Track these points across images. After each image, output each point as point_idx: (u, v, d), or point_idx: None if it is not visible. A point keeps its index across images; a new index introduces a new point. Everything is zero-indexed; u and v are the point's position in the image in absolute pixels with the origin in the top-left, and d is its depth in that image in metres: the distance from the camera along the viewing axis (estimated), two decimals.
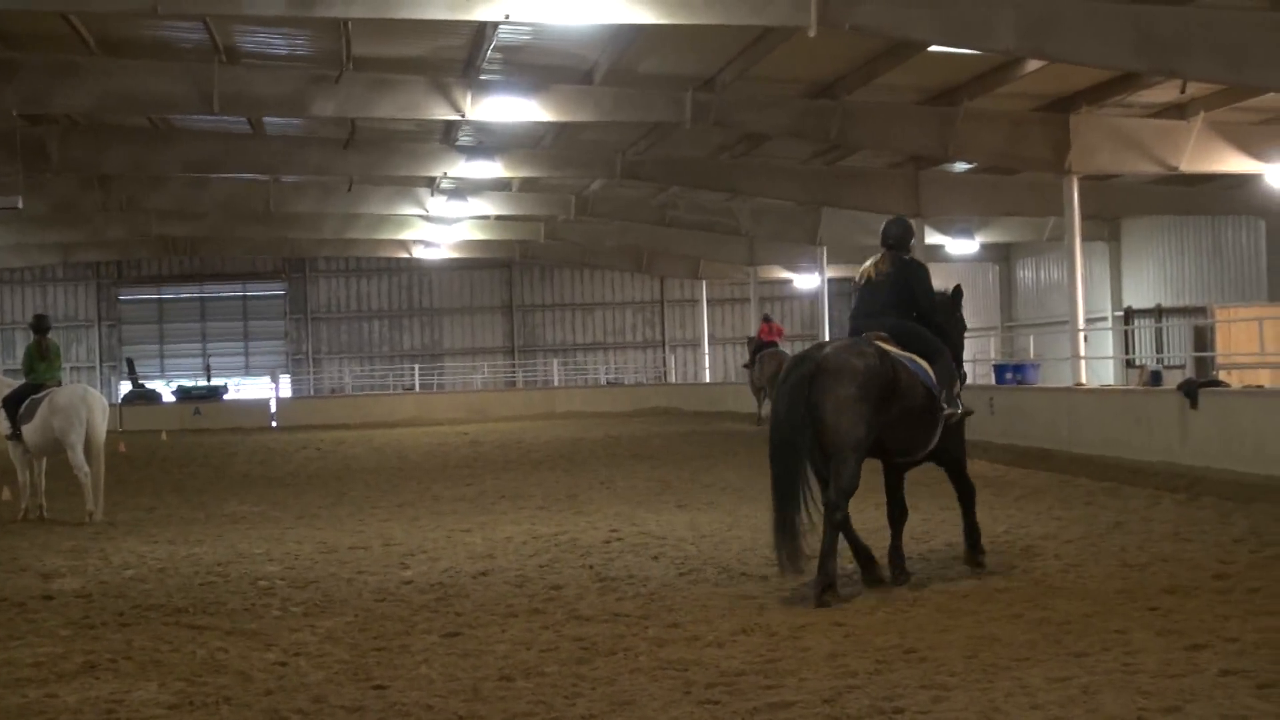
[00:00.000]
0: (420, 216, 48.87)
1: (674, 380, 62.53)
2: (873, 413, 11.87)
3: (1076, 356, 29.26)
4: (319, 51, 27.17)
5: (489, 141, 35.83)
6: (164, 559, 15.48)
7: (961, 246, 45.29)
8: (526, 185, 44.32)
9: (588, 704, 8.46)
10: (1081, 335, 29.61)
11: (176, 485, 25.74)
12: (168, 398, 57.15)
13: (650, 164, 36.93)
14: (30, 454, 20.04)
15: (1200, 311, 37.37)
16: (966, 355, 14.37)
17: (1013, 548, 14.26)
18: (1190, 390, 21.48)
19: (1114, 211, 42.02)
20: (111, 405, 26.12)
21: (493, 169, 36.53)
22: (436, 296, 64.86)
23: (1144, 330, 41.05)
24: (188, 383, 58.84)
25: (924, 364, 12.46)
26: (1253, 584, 11.61)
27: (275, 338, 64.81)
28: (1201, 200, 39.07)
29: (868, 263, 13.17)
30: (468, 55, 26.94)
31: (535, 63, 27.23)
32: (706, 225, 50.26)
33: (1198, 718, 7.67)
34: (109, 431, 20.71)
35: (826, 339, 46.23)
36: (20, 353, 21.57)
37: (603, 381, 62.92)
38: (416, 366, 61.87)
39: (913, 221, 36.48)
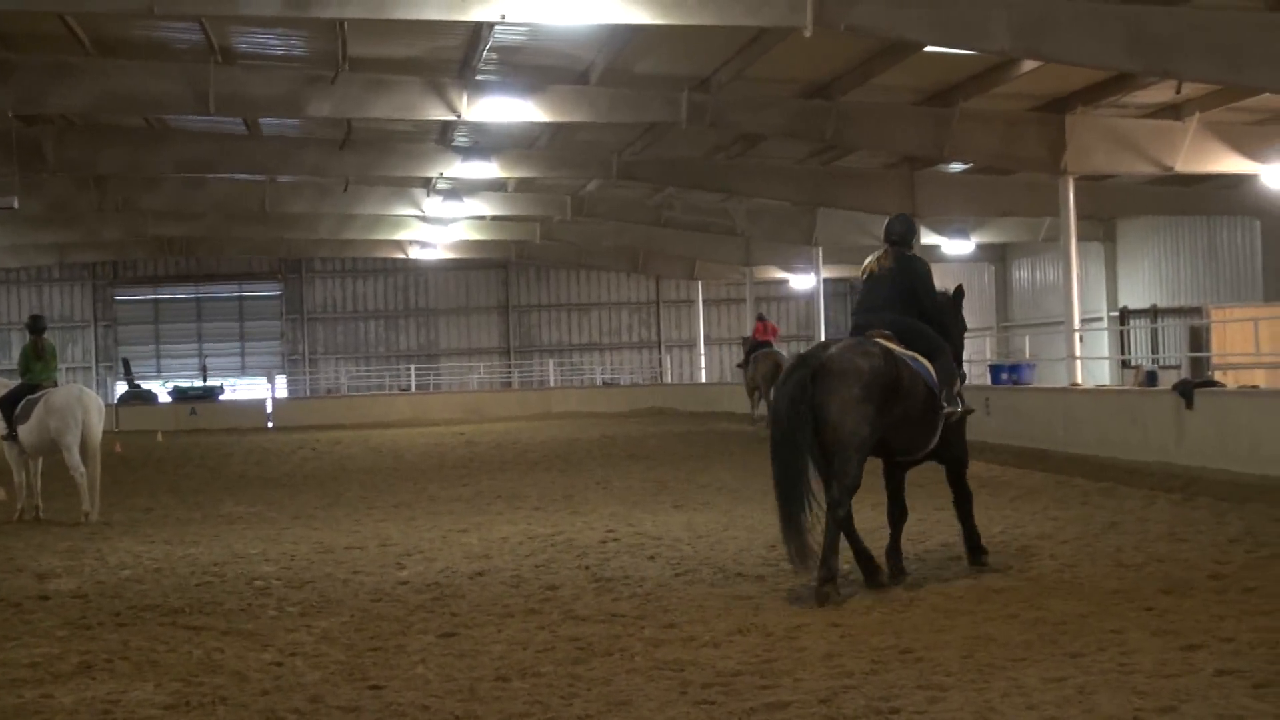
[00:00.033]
0: (416, 217, 48.85)
1: (670, 380, 62.55)
2: (877, 413, 11.93)
3: (1072, 357, 29.29)
4: (315, 52, 27.17)
5: (485, 142, 35.82)
6: (160, 559, 15.48)
7: (957, 247, 45.29)
8: (522, 186, 44.32)
9: (584, 704, 8.47)
10: (1077, 336, 29.65)
11: (172, 486, 25.73)
12: (164, 398, 57.10)
13: (646, 164, 36.93)
14: (26, 454, 20.04)
15: (1195, 312, 37.40)
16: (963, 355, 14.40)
17: (1009, 548, 14.27)
18: (1186, 390, 21.52)
19: (1109, 212, 42.03)
20: (107, 406, 26.05)
21: (488, 169, 36.52)
22: (432, 297, 64.84)
23: (1139, 330, 41.10)
24: (184, 383, 58.80)
25: (925, 362, 12.52)
26: (1248, 584, 11.62)
27: (271, 338, 64.76)
28: (1196, 200, 39.09)
29: (871, 257, 13.27)
30: (463, 56, 26.94)
31: (531, 63, 27.23)
32: (702, 226, 50.26)
33: (1193, 718, 7.68)
34: (105, 432, 20.69)
35: (823, 339, 46.49)
36: (16, 353, 21.56)
37: (599, 382, 62.91)
38: (412, 367, 61.87)
39: None
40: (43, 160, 33.32)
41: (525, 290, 65.33)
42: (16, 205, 32.37)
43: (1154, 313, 40.99)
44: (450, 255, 59.16)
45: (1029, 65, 25.34)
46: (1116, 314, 43.65)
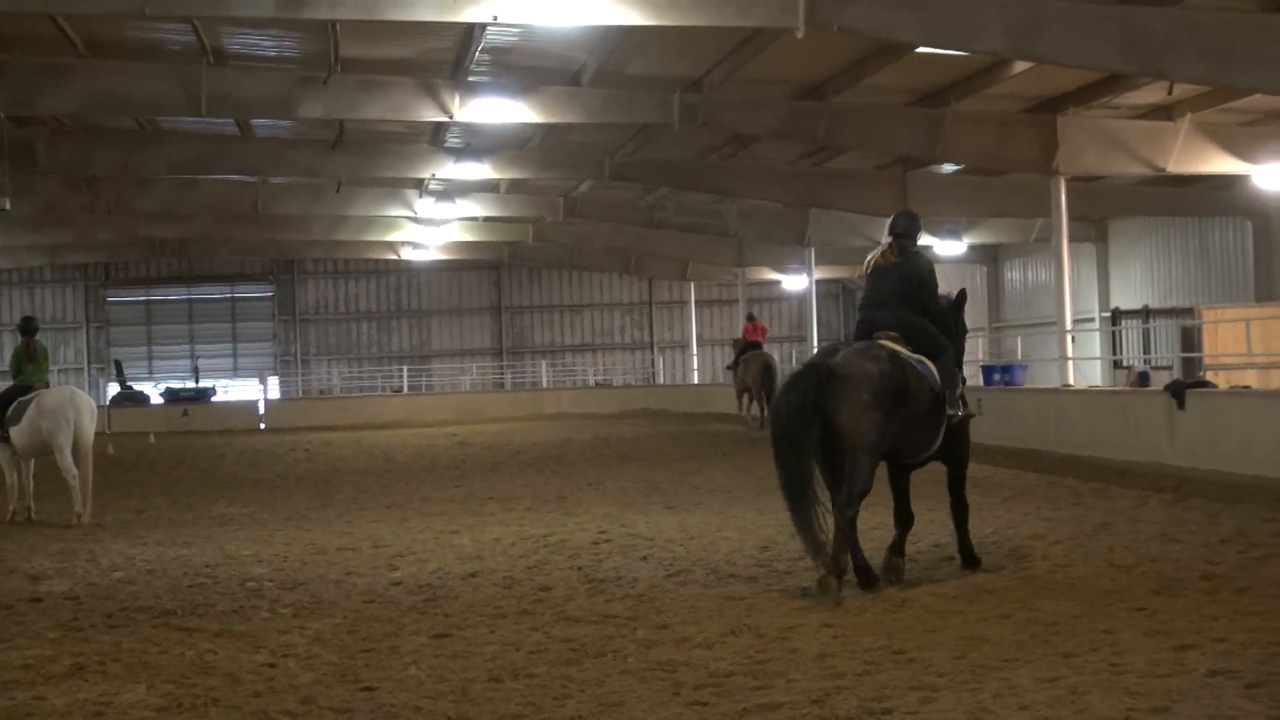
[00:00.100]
0: (408, 218, 48.83)
1: (662, 382, 62.52)
2: (886, 418, 12.05)
3: (1064, 357, 29.29)
4: (307, 53, 27.16)
5: (477, 143, 35.82)
6: (152, 561, 15.47)
7: (949, 248, 45.30)
8: (515, 187, 44.31)
9: (576, 705, 8.47)
10: (1069, 336, 29.65)
11: (165, 487, 25.71)
12: (156, 399, 57.04)
13: (638, 165, 36.92)
14: (18, 456, 20.02)
15: (1187, 312, 37.42)
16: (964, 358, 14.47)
17: (1001, 548, 14.28)
18: (1178, 391, 21.52)
19: (1101, 213, 42.10)
20: (99, 407, 26.05)
21: (481, 170, 36.52)
22: (425, 298, 64.84)
23: (1131, 331, 41.10)
24: (176, 384, 58.73)
25: (930, 365, 12.63)
26: (1240, 584, 11.63)
27: (263, 339, 64.73)
28: (1188, 201, 39.13)
29: (875, 251, 13.40)
30: (456, 57, 26.93)
31: (523, 64, 27.23)
32: (695, 227, 50.25)
33: (1185, 718, 7.69)
34: (97, 433, 20.67)
35: (816, 339, 46.55)
36: (8, 355, 21.56)
37: (591, 383, 62.91)
38: (405, 368, 61.84)
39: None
40: (35, 161, 33.28)
41: (518, 291, 65.34)
42: (8, 207, 32.27)
43: (1146, 313, 40.99)
44: (442, 256, 59.18)
45: (1021, 66, 25.37)
46: (1108, 315, 43.66)
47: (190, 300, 64.31)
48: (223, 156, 35.65)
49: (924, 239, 43.04)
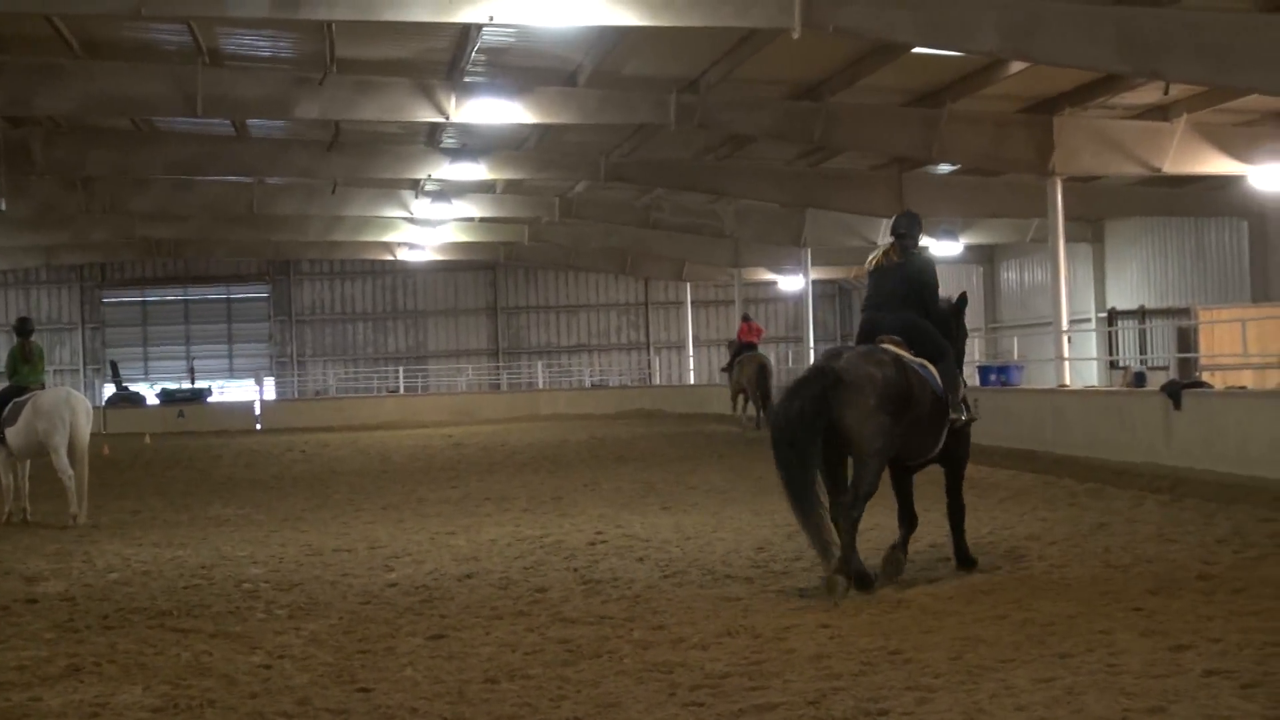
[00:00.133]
0: (404, 219, 48.83)
1: (658, 382, 62.52)
2: (892, 422, 12.11)
3: (1060, 358, 29.31)
4: (303, 54, 27.15)
5: (473, 144, 35.81)
6: (148, 562, 15.45)
7: (945, 248, 45.30)
8: (511, 187, 44.32)
9: (573, 706, 8.47)
10: (1065, 337, 29.66)
11: (160, 488, 25.69)
12: (152, 400, 57.01)
13: (634, 166, 36.93)
14: (13, 457, 20.00)
15: (1184, 313, 37.43)
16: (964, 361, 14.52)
17: (997, 549, 14.28)
18: (1174, 391, 21.54)
19: (1097, 213, 42.09)
20: (95, 408, 26.08)
21: (477, 171, 36.51)
22: (421, 299, 64.83)
23: (1127, 331, 41.11)
24: (172, 385, 58.72)
25: (932, 369, 12.69)
26: (1236, 585, 11.64)
27: (259, 340, 64.71)
28: (1184, 201, 39.15)
29: (877, 251, 13.49)
30: (452, 57, 26.93)
31: (519, 65, 27.22)
32: (691, 227, 50.27)
33: (1182, 718, 7.69)
34: (92, 434, 20.66)
35: (811, 340, 46.58)
36: (3, 356, 21.55)
37: (587, 383, 62.92)
38: (401, 369, 61.79)
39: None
40: (30, 162, 33.28)
41: (513, 292, 65.34)
42: (4, 207, 32.32)
43: (1142, 314, 40.99)
44: (438, 257, 59.17)
45: (1017, 66, 25.37)
46: (1104, 315, 43.66)
47: (186, 301, 64.29)
48: (218, 157, 35.65)
49: (921, 239, 43.09)
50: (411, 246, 56.23)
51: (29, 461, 20.30)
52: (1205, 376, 28.39)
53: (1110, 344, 40.54)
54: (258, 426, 52.43)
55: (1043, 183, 29.72)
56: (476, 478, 25.77)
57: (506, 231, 53.45)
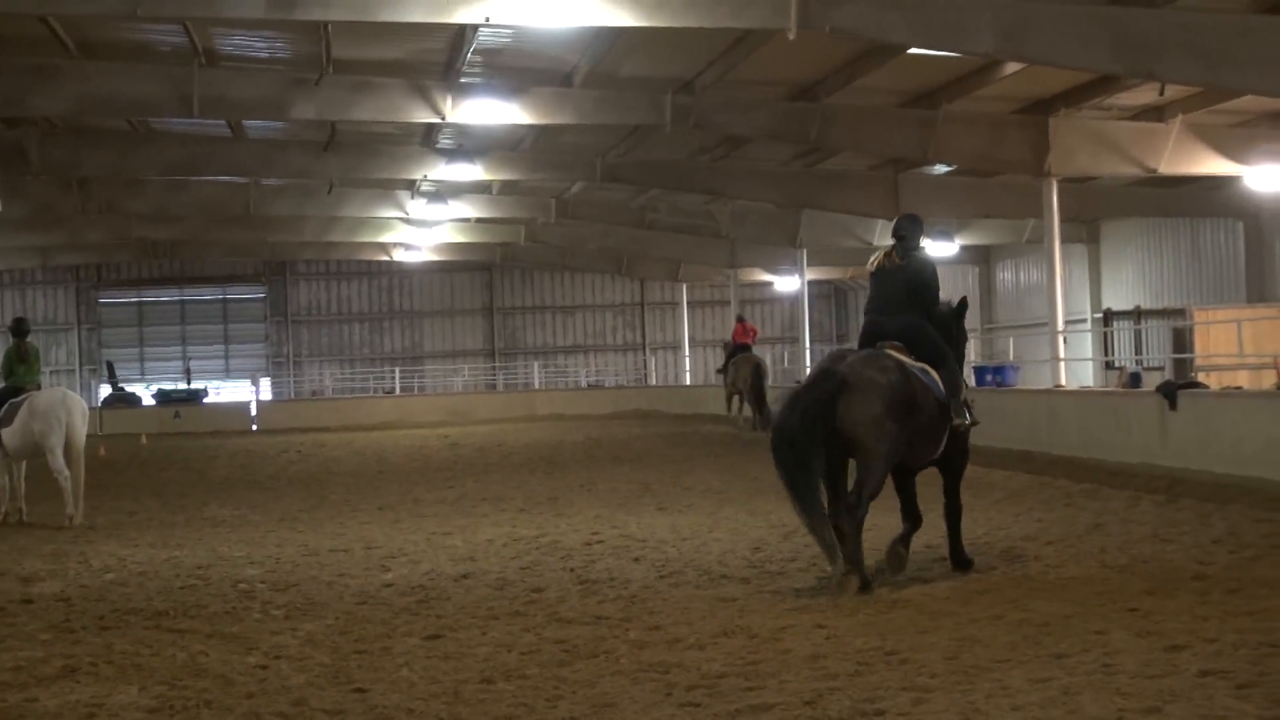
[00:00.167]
0: (400, 219, 48.82)
1: (654, 383, 62.54)
2: (898, 427, 12.23)
3: (1056, 358, 29.33)
4: (299, 54, 27.15)
5: (469, 144, 35.82)
6: (144, 562, 15.45)
7: (941, 249, 45.28)
8: (507, 188, 44.31)
9: (569, 706, 8.47)
10: (1061, 337, 29.68)
11: (156, 489, 25.68)
12: (148, 401, 56.96)
13: (630, 166, 36.92)
14: (10, 458, 19.99)
15: (1179, 313, 37.48)
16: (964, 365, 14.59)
17: (993, 549, 14.29)
18: (1169, 392, 21.55)
19: (1093, 213, 42.09)
20: (91, 409, 26.03)
21: (473, 172, 36.49)
22: (417, 299, 64.82)
23: (1123, 332, 41.16)
24: (168, 386, 58.68)
25: (934, 374, 12.78)
26: (1231, 585, 11.65)
27: (255, 341, 64.67)
28: (1180, 202, 39.16)
29: (878, 254, 13.56)
30: (448, 58, 26.93)
31: (515, 65, 27.22)
32: (687, 228, 50.28)
33: (1177, 718, 7.70)
34: (89, 435, 20.65)
35: (807, 341, 46.57)
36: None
37: (583, 384, 62.94)
38: (397, 369, 61.79)
39: (891, 224, 36.74)
40: (26, 163, 33.25)
41: (510, 292, 65.33)
42: (0, 208, 32.29)
43: (1137, 314, 41.07)
44: (434, 257, 59.14)
45: (1012, 67, 25.39)
46: (1100, 316, 43.72)
47: (182, 301, 64.23)
48: (214, 158, 35.62)
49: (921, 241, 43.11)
50: (407, 247, 56.21)
51: (25, 462, 20.30)
52: (1201, 377, 28.42)
53: (1106, 344, 40.59)
54: (254, 427, 52.37)
55: (1038, 183, 29.73)
56: (473, 478, 25.77)
57: (502, 232, 53.43)
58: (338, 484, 25.52)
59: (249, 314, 64.69)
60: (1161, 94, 27.90)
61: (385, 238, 53.22)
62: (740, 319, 44.17)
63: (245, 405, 56.20)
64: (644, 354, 65.88)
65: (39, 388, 20.42)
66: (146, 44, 26.44)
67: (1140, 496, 18.78)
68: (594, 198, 46.05)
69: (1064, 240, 31.73)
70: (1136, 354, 39.75)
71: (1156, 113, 29.21)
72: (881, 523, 13.70)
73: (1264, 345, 30.57)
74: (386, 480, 26.03)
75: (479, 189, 44.21)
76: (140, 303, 63.96)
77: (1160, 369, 34.02)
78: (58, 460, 19.36)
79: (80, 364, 62.93)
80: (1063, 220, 30.30)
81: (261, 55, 27.69)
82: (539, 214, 46.63)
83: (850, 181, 37.81)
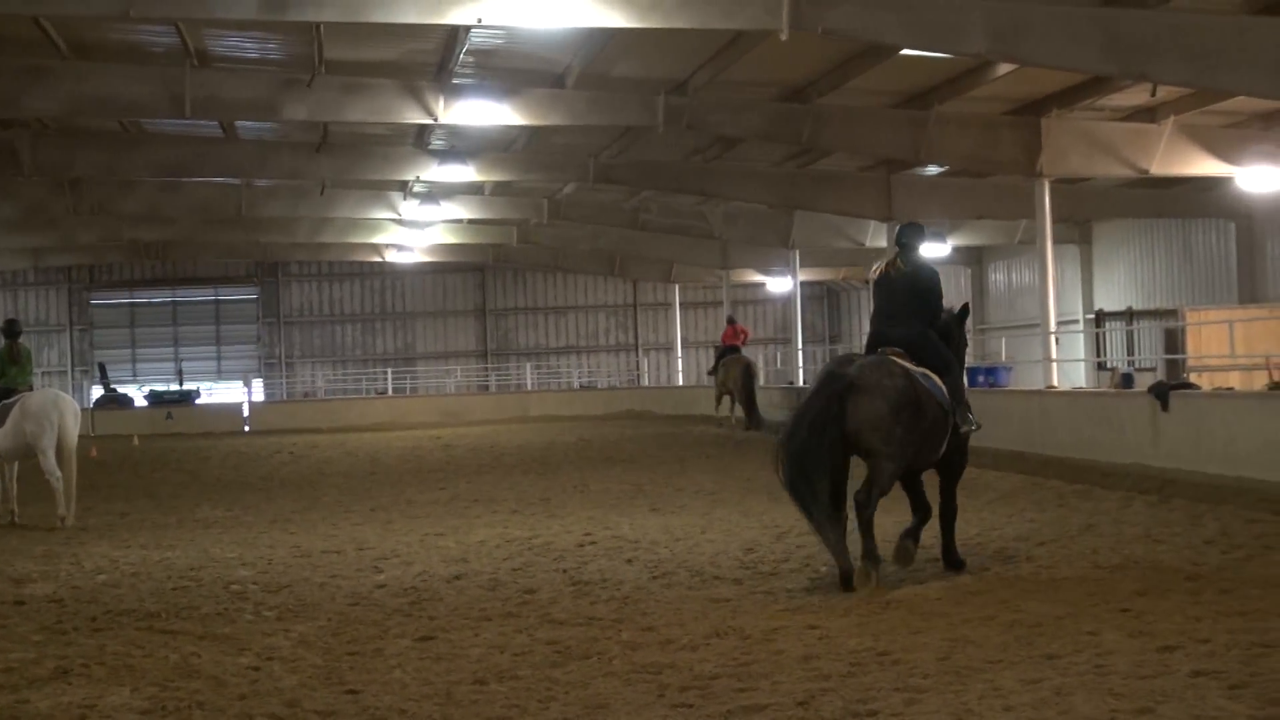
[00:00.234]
0: (393, 220, 48.77)
1: (646, 384, 62.51)
2: (905, 431, 12.40)
3: (1048, 359, 29.32)
4: (291, 55, 27.11)
5: (461, 145, 35.80)
6: (136, 564, 15.44)
7: (933, 250, 45.31)
8: (499, 189, 44.28)
9: (561, 708, 8.47)
10: (1053, 338, 29.68)
11: (149, 490, 25.66)
12: (140, 402, 56.91)
13: (623, 167, 36.91)
14: (1, 459, 19.97)
15: (1171, 314, 37.49)
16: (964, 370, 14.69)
17: (985, 550, 14.31)
18: (1161, 392, 21.56)
19: (1085, 214, 42.14)
20: (83, 410, 26.03)
21: (465, 173, 36.48)
22: (409, 300, 64.78)
23: (1115, 333, 41.17)
24: (160, 387, 58.60)
25: (937, 379, 12.89)
26: (1224, 585, 11.66)
27: (248, 342, 64.63)
28: (1172, 203, 39.19)
29: (880, 262, 13.70)
30: (440, 59, 26.90)
31: (507, 66, 27.21)
32: (679, 229, 50.27)
33: (1169, 719, 7.70)
34: (80, 436, 20.64)
35: (800, 342, 46.59)
36: None
37: (575, 385, 62.91)
38: (389, 370, 61.76)
39: (884, 225, 36.78)
40: (18, 164, 33.21)
41: (502, 293, 65.31)
42: None
43: (1129, 315, 41.06)
44: (427, 258, 59.11)
45: (1005, 68, 25.39)
46: (1092, 316, 43.74)
47: (174, 303, 64.17)
48: (207, 159, 35.59)
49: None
50: (400, 248, 56.19)
51: (17, 463, 20.27)
52: (1193, 378, 28.44)
53: (1098, 345, 40.59)
54: (246, 428, 52.35)
55: (1030, 184, 29.72)
56: (465, 479, 25.76)
57: (495, 233, 53.41)
58: (330, 485, 25.51)
59: (241, 315, 64.65)
60: (1153, 95, 27.91)
61: (377, 239, 53.19)
62: (731, 320, 44.27)
63: (237, 406, 56.15)
64: (636, 355, 65.86)
65: (31, 389, 20.36)
66: (139, 45, 26.40)
67: (1133, 497, 18.80)
68: (586, 199, 46.03)
69: (1056, 241, 31.71)
70: (1129, 355, 39.73)
71: (1148, 114, 29.22)
72: (879, 522, 13.67)
73: (1256, 346, 30.59)
74: (379, 481, 26.02)
75: (471, 190, 44.19)
76: (132, 304, 63.89)
77: (1152, 370, 33.98)
78: (49, 461, 19.32)
79: (72, 365, 62.86)
80: (1055, 221, 30.29)
81: (253, 56, 27.65)
82: (531, 215, 46.62)
83: (843, 182, 37.83)
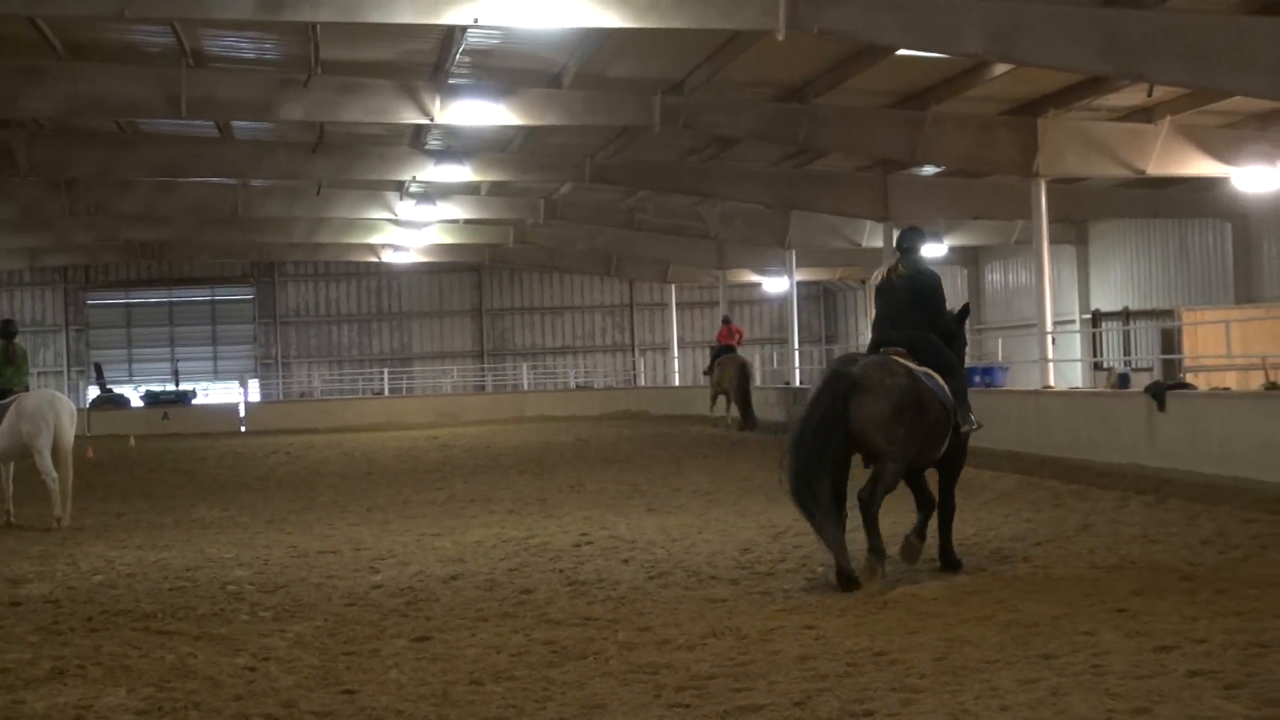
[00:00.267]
0: (389, 220, 48.74)
1: (643, 384, 62.48)
2: (908, 430, 12.49)
3: (1045, 359, 29.33)
4: (287, 55, 27.10)
5: (458, 145, 35.79)
6: (132, 564, 15.43)
7: (930, 250, 45.33)
8: (495, 189, 44.27)
9: (558, 708, 8.47)
10: (1050, 338, 29.69)
11: (145, 490, 25.65)
12: (136, 402, 56.84)
13: (619, 168, 36.91)
14: None
15: (1167, 314, 37.52)
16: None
17: (982, 550, 14.32)
18: (1157, 393, 21.57)
19: (1082, 214, 42.16)
20: (79, 410, 26.02)
21: (461, 173, 36.47)
22: (405, 300, 64.75)
23: (1111, 333, 41.19)
24: (156, 387, 58.55)
25: (939, 378, 12.99)
26: (1220, 585, 11.67)
27: (244, 342, 64.58)
28: (1168, 203, 39.21)
29: (882, 268, 13.84)
30: (436, 59, 26.90)
31: (504, 66, 27.21)
32: (675, 229, 50.26)
33: (1166, 719, 7.70)
34: (76, 436, 20.62)
35: (796, 342, 46.60)
36: None
37: (572, 385, 62.87)
38: (386, 370, 61.69)
39: (881, 226, 36.79)
40: (13, 164, 33.18)
41: (498, 294, 65.29)
42: None
43: (1126, 315, 41.09)
44: (423, 259, 59.09)
45: (1001, 68, 25.41)
46: (1089, 316, 43.76)
47: (170, 303, 64.12)
48: (203, 159, 35.57)
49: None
50: (396, 248, 56.18)
51: (13, 464, 20.26)
52: (1189, 378, 28.44)
53: (1094, 345, 40.62)
54: (242, 429, 52.31)
55: (1027, 184, 29.73)
56: (462, 479, 25.75)
57: (491, 233, 53.40)
58: (326, 485, 25.50)
59: (237, 315, 64.59)
60: (1150, 95, 27.93)
61: (374, 239, 53.17)
62: (726, 320, 44.30)
63: (233, 407, 56.13)
64: (633, 355, 65.85)
65: (27, 389, 20.36)
66: (135, 45, 26.39)
67: (1129, 497, 18.80)
68: (583, 199, 46.02)
69: (1052, 241, 31.73)
70: (1125, 355, 39.76)
71: (1145, 114, 29.24)
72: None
73: (1252, 346, 30.62)
74: (375, 482, 26.01)
75: (467, 190, 44.18)
76: (128, 304, 63.82)
77: (1149, 370, 34.03)
78: (45, 462, 19.31)
79: (68, 365, 62.79)
80: (1051, 221, 30.30)
81: (250, 56, 27.64)
82: (528, 215, 46.60)
83: (839, 183, 37.84)
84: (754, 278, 56.20)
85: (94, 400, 56.29)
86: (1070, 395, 27.13)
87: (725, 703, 8.40)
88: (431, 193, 43.62)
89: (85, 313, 63.39)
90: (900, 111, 29.36)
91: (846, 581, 12.07)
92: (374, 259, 59.44)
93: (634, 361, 65.58)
